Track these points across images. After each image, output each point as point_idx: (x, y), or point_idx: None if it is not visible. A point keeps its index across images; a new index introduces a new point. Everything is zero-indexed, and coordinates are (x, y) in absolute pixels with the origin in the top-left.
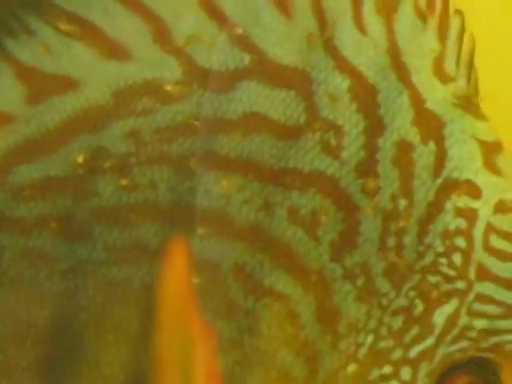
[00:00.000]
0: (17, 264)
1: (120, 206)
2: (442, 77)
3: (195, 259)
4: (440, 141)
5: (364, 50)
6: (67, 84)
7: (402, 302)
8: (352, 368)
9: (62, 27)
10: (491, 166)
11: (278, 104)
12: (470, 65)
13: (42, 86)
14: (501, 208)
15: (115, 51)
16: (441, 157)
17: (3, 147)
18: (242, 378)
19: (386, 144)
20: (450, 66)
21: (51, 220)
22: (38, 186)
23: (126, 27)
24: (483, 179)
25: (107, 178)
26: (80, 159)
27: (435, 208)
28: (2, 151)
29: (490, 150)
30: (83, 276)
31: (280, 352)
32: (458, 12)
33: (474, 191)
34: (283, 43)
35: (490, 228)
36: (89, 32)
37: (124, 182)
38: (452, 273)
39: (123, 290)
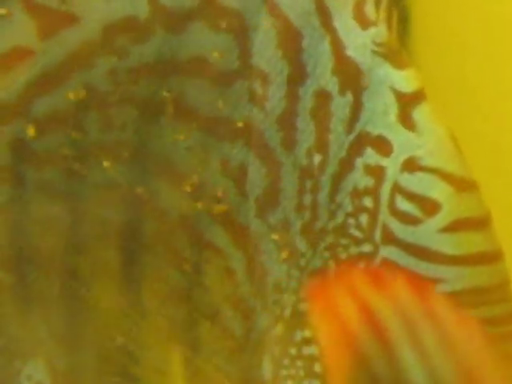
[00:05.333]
0: (37, 197)
1: (102, 145)
2: (363, 21)
3: (151, 207)
4: (357, 91)
5: None
6: (71, 19)
7: (317, 262)
8: (280, 328)
9: None
10: (406, 120)
11: (218, 48)
12: (390, 9)
13: (50, 20)
14: (409, 166)
15: None
16: (356, 109)
17: (27, 79)
18: (189, 330)
19: (307, 94)
20: (370, 9)
21: (57, 155)
22: (48, 120)
23: None
24: (395, 134)
25: (93, 115)
26: (74, 96)
27: (346, 165)
28: (26, 83)
29: (408, 103)
30: (81, 213)
31: (222, 307)
32: None
33: (385, 147)
34: None
35: (396, 188)
36: None
37: (105, 120)
38: (359, 235)
39: (108, 229)
